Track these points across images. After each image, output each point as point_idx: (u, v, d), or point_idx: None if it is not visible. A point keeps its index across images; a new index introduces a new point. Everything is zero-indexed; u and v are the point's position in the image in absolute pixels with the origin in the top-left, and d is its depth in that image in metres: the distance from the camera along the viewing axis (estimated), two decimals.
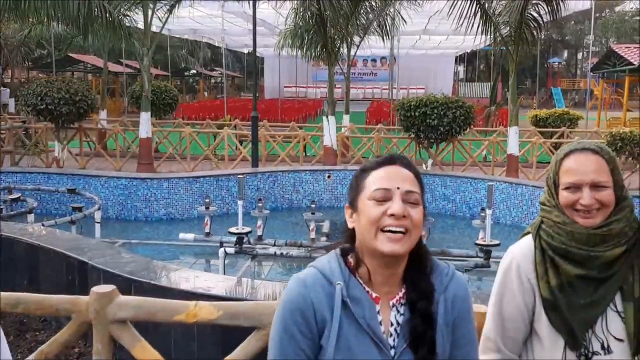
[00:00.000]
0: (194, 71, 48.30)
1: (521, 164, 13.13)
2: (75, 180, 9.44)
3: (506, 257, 1.73)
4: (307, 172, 10.31)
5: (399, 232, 1.36)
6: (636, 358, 1.56)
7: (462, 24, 11.60)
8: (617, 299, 1.59)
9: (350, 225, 1.44)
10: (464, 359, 1.44)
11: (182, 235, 7.34)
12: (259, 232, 7.14)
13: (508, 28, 11.25)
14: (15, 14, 11.20)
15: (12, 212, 7.58)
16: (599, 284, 1.59)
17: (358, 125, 16.51)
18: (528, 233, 1.74)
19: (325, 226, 8.64)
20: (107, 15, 11.55)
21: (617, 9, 53.73)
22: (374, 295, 1.40)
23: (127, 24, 12.57)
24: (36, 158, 13.58)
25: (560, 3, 10.38)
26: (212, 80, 54.32)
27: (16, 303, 2.79)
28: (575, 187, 1.60)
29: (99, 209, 7.84)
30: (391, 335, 1.39)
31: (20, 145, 14.25)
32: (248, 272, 7.05)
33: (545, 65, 55.53)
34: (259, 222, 7.15)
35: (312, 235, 7.14)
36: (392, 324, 1.39)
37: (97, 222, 7.86)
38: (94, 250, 4.78)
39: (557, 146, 14.33)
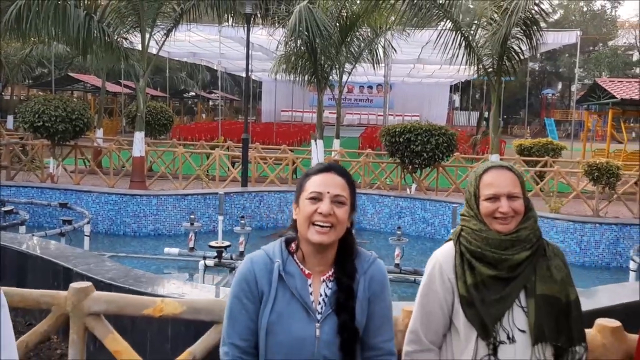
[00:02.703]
0: (193, 93, 48.95)
1: None
2: (68, 195, 9.76)
3: (431, 261, 2.00)
4: (293, 192, 10.63)
5: (326, 226, 1.72)
6: (535, 346, 1.83)
7: (448, 55, 12.06)
8: (522, 295, 1.86)
9: (294, 217, 1.81)
10: (377, 330, 1.80)
11: (167, 250, 7.65)
12: (241, 248, 7.44)
13: (490, 60, 11.69)
14: (17, 33, 11.63)
15: (4, 224, 7.86)
16: (507, 283, 1.86)
17: (348, 150, 16.90)
18: (451, 240, 2.02)
19: None
20: (106, 37, 12.01)
21: (610, 43, 54.88)
22: (306, 271, 1.78)
23: (127, 46, 13.05)
24: (31, 174, 13.89)
25: (539, 38, 10.84)
26: (211, 103, 54.98)
27: None
28: (495, 198, 1.88)
29: (88, 222, 8.13)
30: (319, 303, 1.75)
31: (17, 161, 14.58)
32: (226, 283, 7.34)
33: (540, 97, 56.41)
34: (241, 239, 7.46)
35: None
36: (321, 295, 1.76)
37: (87, 236, 8.16)
38: (78, 258, 5.08)
39: (540, 175, 14.75)
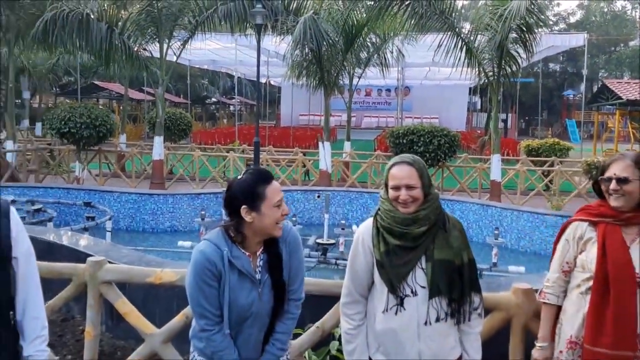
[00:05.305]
0: (215, 99, 49.96)
1: (510, 190, 13.95)
2: (92, 195, 10.55)
3: (357, 232, 2.58)
4: (299, 191, 11.31)
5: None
6: (432, 299, 2.38)
7: (450, 59, 12.55)
8: (423, 259, 2.37)
9: (249, 220, 2.31)
10: (293, 278, 2.45)
11: (180, 243, 8.36)
12: None
13: (490, 64, 12.19)
14: (44, 47, 12.53)
15: (34, 220, 8.65)
16: (410, 251, 2.37)
17: (358, 152, 17.49)
18: (372, 217, 2.60)
19: (312, 239, 9.54)
20: (126, 48, 12.83)
21: (631, 43, 54.43)
22: (247, 253, 2.38)
23: (148, 54, 13.87)
24: (59, 177, 14.78)
25: (534, 43, 11.33)
26: (232, 108, 55.98)
27: None
28: (397, 188, 2.39)
29: (109, 219, 8.88)
30: (257, 273, 2.39)
31: (44, 166, 15.51)
32: None
33: (561, 98, 56.09)
34: None
35: None
36: (258, 267, 2.39)
37: (108, 231, 8.91)
38: (98, 247, 5.78)
39: (546, 174, 15.15)
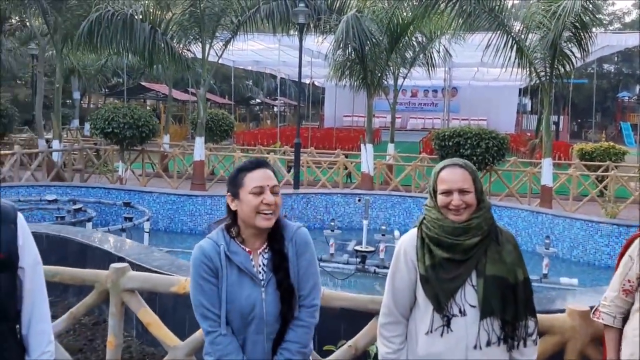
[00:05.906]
0: (259, 100, 50.26)
1: (562, 196, 13.32)
2: (132, 196, 10.57)
3: (398, 245, 2.31)
4: (339, 195, 11.04)
5: (269, 213, 2.13)
6: (483, 320, 2.09)
7: (499, 58, 12.08)
8: (473, 275, 2.12)
9: (233, 208, 2.19)
10: (302, 279, 2.19)
11: None
12: None
13: (542, 63, 11.65)
14: (90, 47, 12.67)
15: (73, 220, 8.68)
16: (460, 264, 2.12)
17: (402, 154, 17.09)
18: (416, 227, 2.31)
19: (351, 245, 9.27)
20: (170, 48, 12.85)
21: None
22: (247, 249, 2.18)
23: (192, 55, 13.89)
24: (103, 176, 14.96)
25: (589, 42, 10.75)
26: (275, 109, 56.21)
27: (55, 274, 3.64)
28: (448, 192, 2.15)
29: (148, 220, 8.82)
30: (260, 272, 2.17)
31: (90, 165, 15.75)
32: None
33: (616, 100, 54.11)
34: None
35: (332, 250, 7.83)
36: (260, 265, 2.17)
37: (146, 232, 8.84)
38: (132, 249, 5.67)
39: (600, 179, 14.41)
